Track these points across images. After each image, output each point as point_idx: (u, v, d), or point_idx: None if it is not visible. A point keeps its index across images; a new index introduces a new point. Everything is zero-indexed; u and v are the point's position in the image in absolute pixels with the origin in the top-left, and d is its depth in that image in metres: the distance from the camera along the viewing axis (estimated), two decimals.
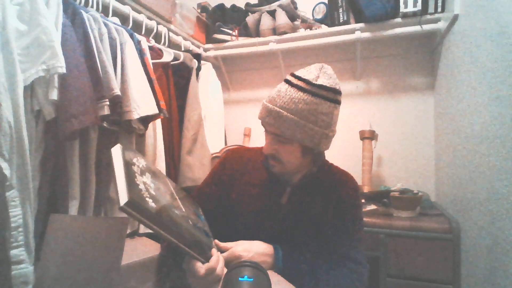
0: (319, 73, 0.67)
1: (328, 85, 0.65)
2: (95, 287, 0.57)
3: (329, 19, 1.64)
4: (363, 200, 1.39)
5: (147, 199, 0.51)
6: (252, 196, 0.76)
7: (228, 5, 1.87)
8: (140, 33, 1.25)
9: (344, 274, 0.68)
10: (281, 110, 0.65)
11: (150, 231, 0.51)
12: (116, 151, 0.57)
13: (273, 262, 0.67)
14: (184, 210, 0.62)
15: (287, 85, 0.67)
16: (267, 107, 0.67)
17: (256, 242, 0.68)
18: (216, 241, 0.67)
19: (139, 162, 0.61)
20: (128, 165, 0.55)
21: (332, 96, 0.66)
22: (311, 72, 0.67)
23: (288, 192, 0.75)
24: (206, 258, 0.58)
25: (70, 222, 0.60)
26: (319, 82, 0.65)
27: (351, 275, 0.69)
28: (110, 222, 0.63)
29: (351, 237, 0.73)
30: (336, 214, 0.73)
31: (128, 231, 1.10)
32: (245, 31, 1.80)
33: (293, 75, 0.68)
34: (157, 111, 1.10)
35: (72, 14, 0.92)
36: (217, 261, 0.59)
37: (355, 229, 0.75)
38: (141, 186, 0.53)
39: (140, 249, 0.97)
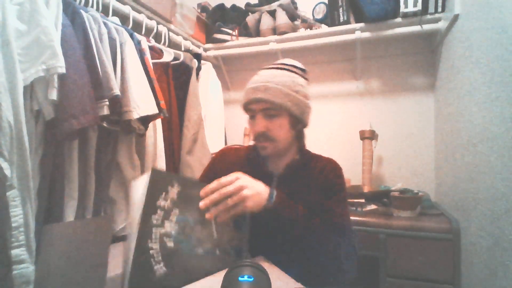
0: (286, 60, 0.82)
1: (298, 65, 0.80)
2: (88, 282, 0.61)
3: (329, 19, 1.64)
4: (362, 200, 1.39)
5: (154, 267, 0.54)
6: None
7: (228, 5, 1.87)
8: (140, 33, 1.25)
9: (336, 233, 0.70)
10: (267, 83, 0.74)
11: None
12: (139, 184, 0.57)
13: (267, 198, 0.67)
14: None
15: (264, 70, 0.79)
16: (251, 87, 0.76)
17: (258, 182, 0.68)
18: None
19: (165, 198, 0.58)
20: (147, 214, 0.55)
21: (303, 74, 0.80)
22: (280, 61, 0.81)
23: (274, 183, 0.78)
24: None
25: (62, 229, 0.64)
26: (290, 63, 0.80)
27: (343, 237, 0.71)
28: (96, 222, 0.70)
29: (338, 213, 0.76)
30: (323, 196, 0.77)
31: (125, 232, 1.10)
32: (245, 31, 1.80)
33: (265, 66, 0.81)
34: (157, 111, 1.10)
35: (72, 14, 0.92)
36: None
37: (342, 206, 0.78)
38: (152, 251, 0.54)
39: None
